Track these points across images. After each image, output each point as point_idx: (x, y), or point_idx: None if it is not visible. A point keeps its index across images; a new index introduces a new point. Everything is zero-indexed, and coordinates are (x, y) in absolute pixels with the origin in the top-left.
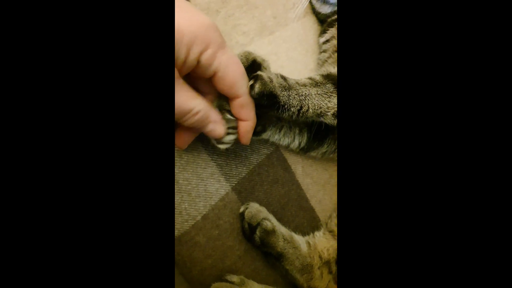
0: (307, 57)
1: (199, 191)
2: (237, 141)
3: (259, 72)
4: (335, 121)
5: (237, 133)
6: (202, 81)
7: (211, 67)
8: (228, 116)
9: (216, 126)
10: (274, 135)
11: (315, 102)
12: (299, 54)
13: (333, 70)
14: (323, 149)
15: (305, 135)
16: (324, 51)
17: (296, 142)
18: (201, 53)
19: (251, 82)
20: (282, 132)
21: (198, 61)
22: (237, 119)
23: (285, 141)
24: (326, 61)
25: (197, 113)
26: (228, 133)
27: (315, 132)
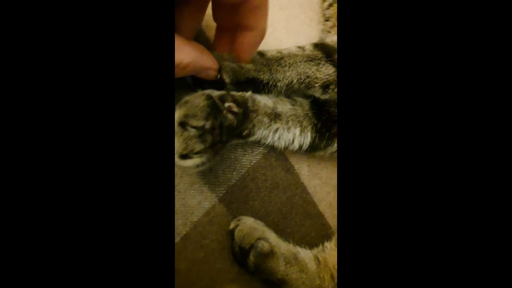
0: (311, 28)
1: (175, 206)
2: (225, 147)
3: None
4: (326, 96)
5: (205, 154)
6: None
7: None
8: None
9: (209, 72)
10: (266, 138)
11: (300, 71)
12: (301, 23)
13: (328, 39)
14: (333, 148)
15: (309, 135)
16: (328, 19)
17: (296, 145)
18: None
19: (218, 75)
20: (277, 134)
21: None
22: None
23: (280, 143)
24: (330, 32)
25: (186, 66)
26: (189, 156)
27: (321, 129)
